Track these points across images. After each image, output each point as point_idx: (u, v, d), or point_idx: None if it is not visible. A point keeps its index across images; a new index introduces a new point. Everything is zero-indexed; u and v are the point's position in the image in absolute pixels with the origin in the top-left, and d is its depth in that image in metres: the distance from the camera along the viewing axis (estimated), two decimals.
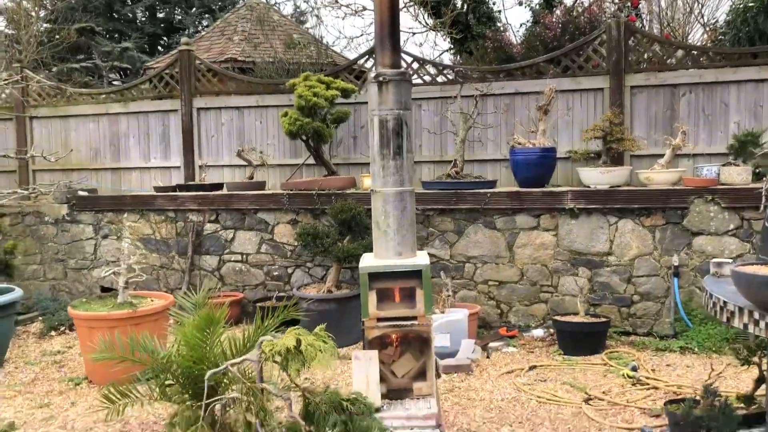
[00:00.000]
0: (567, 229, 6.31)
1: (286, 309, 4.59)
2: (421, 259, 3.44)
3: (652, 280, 6.14)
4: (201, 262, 7.42)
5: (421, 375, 3.37)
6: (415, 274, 3.30)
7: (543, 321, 6.44)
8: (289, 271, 7.17)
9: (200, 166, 8.11)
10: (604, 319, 5.86)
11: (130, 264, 7.43)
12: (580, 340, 5.76)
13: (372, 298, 3.30)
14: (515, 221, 6.43)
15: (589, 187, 6.31)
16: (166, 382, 4.34)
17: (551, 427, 4.31)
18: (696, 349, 5.67)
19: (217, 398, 2.22)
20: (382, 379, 3.24)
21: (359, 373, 3.15)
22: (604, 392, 4.84)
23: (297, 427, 2.08)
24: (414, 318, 3.30)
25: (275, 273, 7.20)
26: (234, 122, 8.11)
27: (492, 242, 6.49)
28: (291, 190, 7.05)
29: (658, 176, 6.14)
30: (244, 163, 7.71)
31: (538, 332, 6.26)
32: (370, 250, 3.83)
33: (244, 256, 7.28)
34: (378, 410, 3.07)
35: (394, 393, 3.34)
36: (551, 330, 6.23)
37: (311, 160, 7.59)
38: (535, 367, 5.49)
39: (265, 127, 8.03)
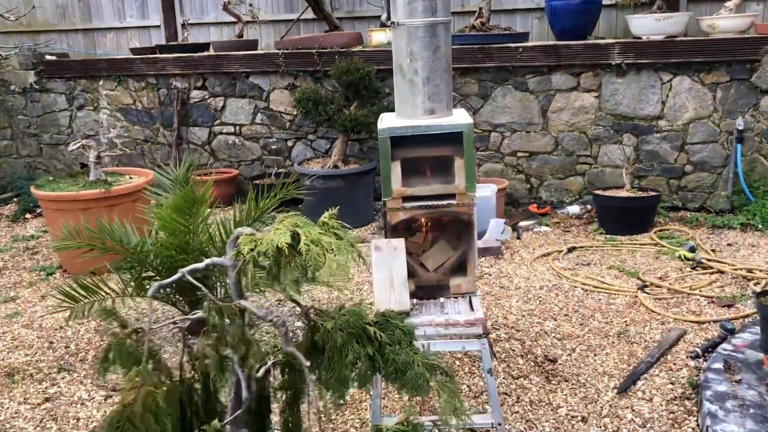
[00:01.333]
0: (612, 89, 5.38)
1: (285, 186, 3.82)
2: (461, 117, 2.58)
3: (708, 147, 5.29)
4: (189, 135, 6.56)
5: (460, 268, 2.61)
6: (453, 138, 2.45)
7: (578, 196, 5.66)
8: (289, 144, 6.32)
9: (182, 24, 7.07)
10: (653, 193, 5.07)
11: (110, 138, 6.60)
12: (626, 217, 5.00)
13: (396, 171, 2.48)
14: (551, 81, 5.49)
15: (640, 38, 5.31)
16: (144, 275, 3.67)
17: (604, 320, 3.63)
18: (760, 226, 4.91)
19: (177, 319, 1.46)
20: (411, 274, 2.49)
21: (381, 269, 2.38)
22: (660, 278, 4.13)
23: (297, 366, 1.35)
24: (451, 196, 2.49)
25: (273, 147, 6.35)
26: None
27: (523, 107, 5.59)
28: (287, 49, 6.05)
29: (725, 23, 5.13)
30: (232, 19, 6.66)
31: (574, 209, 5.50)
32: (383, 114, 2.99)
33: (237, 128, 6.41)
34: (407, 314, 2.34)
35: (426, 291, 2.60)
36: (589, 206, 5.47)
37: (309, 14, 6.55)
38: (574, 248, 4.77)
39: None
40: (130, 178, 5.00)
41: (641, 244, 4.78)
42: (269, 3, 6.89)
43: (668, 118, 5.33)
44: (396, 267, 2.38)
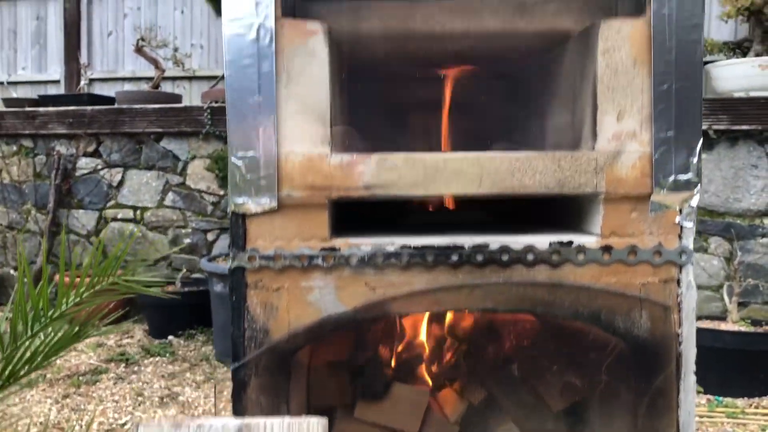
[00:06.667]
0: None
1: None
2: None
3: None
4: (71, 221, 4.59)
5: None
6: None
7: None
8: (210, 237, 4.36)
9: (90, 80, 5.31)
10: None
11: None
12: (738, 367, 3.00)
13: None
14: None
15: (731, 95, 3.59)
16: None
17: None
18: None
19: None
20: None
21: None
22: None
23: None
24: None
25: (187, 240, 4.38)
26: (143, 11, 5.31)
27: None
28: (216, 102, 4.25)
29: None
30: (155, 73, 4.92)
31: None
32: None
33: (139, 212, 4.46)
34: None
35: None
36: None
37: None
38: None
39: (190, 19, 5.24)
40: None
41: None
42: (207, 53, 5.20)
43: None
44: None
